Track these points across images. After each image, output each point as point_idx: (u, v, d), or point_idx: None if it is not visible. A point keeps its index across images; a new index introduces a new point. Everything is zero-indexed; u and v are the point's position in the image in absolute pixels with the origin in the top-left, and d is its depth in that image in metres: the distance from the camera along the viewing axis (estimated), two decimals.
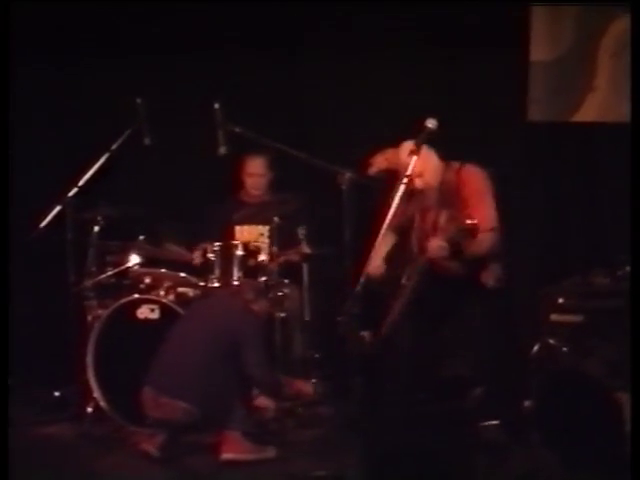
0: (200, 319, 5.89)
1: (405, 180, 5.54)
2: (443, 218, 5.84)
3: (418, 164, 5.64)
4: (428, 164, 5.85)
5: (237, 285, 6.24)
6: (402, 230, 6.05)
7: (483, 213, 5.72)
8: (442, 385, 5.97)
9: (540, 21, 6.86)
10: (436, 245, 5.68)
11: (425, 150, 5.72)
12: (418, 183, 5.80)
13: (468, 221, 5.51)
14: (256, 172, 6.91)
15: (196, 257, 6.62)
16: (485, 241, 5.72)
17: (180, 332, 5.84)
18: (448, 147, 5.93)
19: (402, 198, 5.53)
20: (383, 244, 5.85)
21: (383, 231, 5.48)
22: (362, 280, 5.52)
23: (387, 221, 5.46)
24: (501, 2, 6.72)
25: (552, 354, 5.69)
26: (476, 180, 5.88)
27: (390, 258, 6.10)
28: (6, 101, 6.07)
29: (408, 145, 5.75)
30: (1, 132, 6.00)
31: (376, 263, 5.92)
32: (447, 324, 5.94)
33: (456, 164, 5.92)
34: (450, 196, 5.86)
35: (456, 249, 5.67)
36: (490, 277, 5.88)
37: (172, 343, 5.80)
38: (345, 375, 6.17)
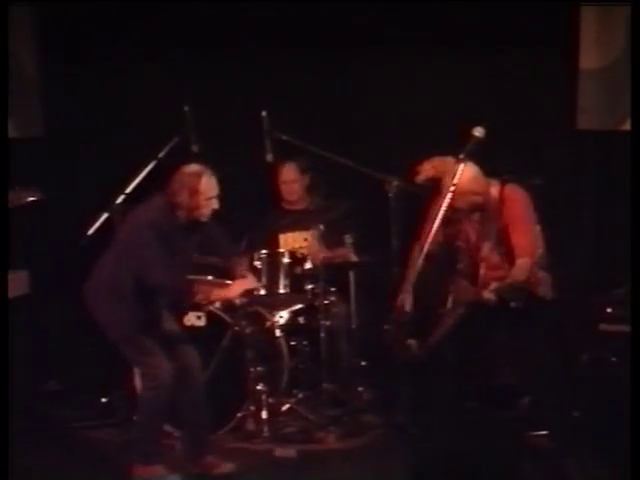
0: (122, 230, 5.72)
1: (452, 188, 5.52)
2: (486, 247, 5.81)
3: (465, 182, 5.62)
4: (474, 182, 5.79)
5: None
6: (445, 246, 6.00)
7: (523, 240, 5.72)
8: (490, 394, 5.93)
9: (590, 28, 6.80)
10: (486, 297, 5.62)
11: (471, 168, 5.69)
12: (466, 203, 5.77)
13: (521, 278, 5.55)
14: (289, 179, 6.92)
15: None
16: (523, 268, 5.71)
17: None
18: (496, 155, 5.89)
19: (445, 215, 5.52)
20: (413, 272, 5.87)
21: (430, 239, 5.47)
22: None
23: (434, 229, 5.45)
24: (550, 5, 6.69)
25: (601, 364, 5.64)
26: (518, 204, 5.82)
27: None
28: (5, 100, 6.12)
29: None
30: (1, 133, 6.07)
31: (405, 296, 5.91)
32: (497, 333, 5.90)
33: (496, 182, 5.87)
34: (491, 218, 5.83)
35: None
36: (547, 289, 5.84)
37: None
38: (392, 383, 6.16)
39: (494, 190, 5.83)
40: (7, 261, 5.57)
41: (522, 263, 5.69)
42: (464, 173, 5.60)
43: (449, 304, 5.87)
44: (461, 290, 5.82)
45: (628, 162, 5.70)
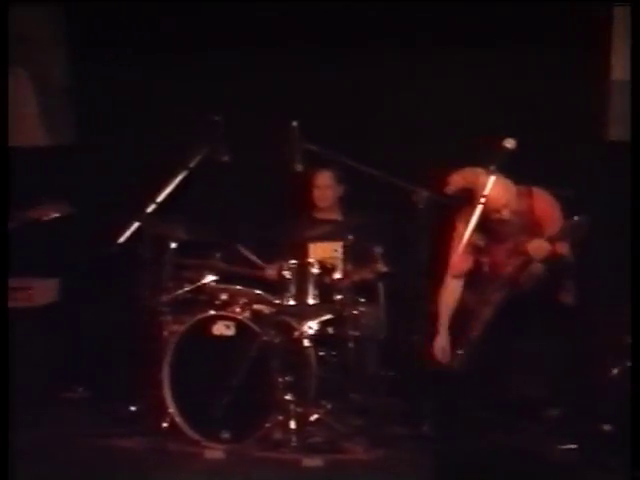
0: None
1: (483, 200, 5.52)
2: (520, 242, 5.79)
3: (498, 193, 5.62)
4: (507, 192, 5.80)
5: None
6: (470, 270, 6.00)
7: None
8: (518, 405, 5.90)
9: (622, 38, 6.77)
10: (537, 244, 5.61)
11: (501, 179, 5.70)
12: (502, 213, 5.77)
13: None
14: (323, 184, 6.93)
15: (270, 271, 6.67)
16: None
17: None
18: (525, 167, 5.87)
19: (477, 228, 5.52)
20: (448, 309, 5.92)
21: (459, 251, 5.47)
22: None
23: (464, 241, 5.45)
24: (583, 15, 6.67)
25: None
26: (546, 205, 5.85)
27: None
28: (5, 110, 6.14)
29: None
30: (1, 141, 6.11)
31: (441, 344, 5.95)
32: (523, 342, 5.88)
33: (523, 189, 5.88)
34: (523, 224, 5.83)
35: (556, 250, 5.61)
36: (568, 294, 5.82)
37: None
38: (420, 394, 6.15)
39: (522, 197, 5.84)
40: (7, 268, 5.57)
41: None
42: (495, 188, 5.60)
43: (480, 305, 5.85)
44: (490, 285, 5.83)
45: None
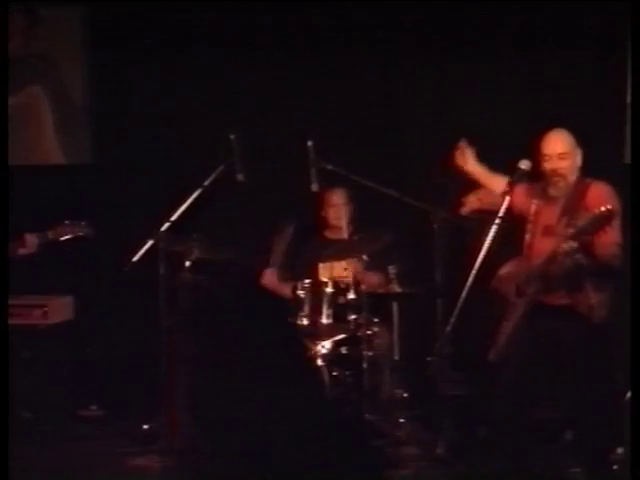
0: None
1: (498, 221, 5.49)
2: (562, 224, 5.65)
3: (566, 147, 5.65)
4: (576, 156, 5.76)
5: None
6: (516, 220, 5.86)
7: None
8: (535, 427, 5.83)
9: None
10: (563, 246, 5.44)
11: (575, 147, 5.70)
12: (560, 165, 5.69)
13: (602, 208, 5.28)
14: (337, 202, 6.91)
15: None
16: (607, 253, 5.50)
17: None
18: None
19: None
20: None
21: (475, 271, 5.43)
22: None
23: (477, 264, 5.41)
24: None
25: None
26: (602, 194, 5.64)
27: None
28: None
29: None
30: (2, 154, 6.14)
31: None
32: (545, 361, 5.76)
33: (587, 179, 5.78)
34: (574, 205, 5.69)
35: (585, 243, 5.39)
36: (584, 304, 5.66)
37: None
38: (434, 416, 6.12)
39: (582, 184, 5.73)
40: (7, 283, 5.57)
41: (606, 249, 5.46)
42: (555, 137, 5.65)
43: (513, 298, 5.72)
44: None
45: None
